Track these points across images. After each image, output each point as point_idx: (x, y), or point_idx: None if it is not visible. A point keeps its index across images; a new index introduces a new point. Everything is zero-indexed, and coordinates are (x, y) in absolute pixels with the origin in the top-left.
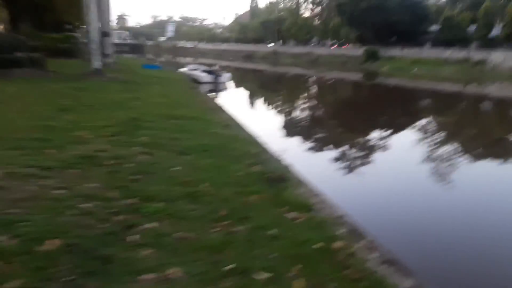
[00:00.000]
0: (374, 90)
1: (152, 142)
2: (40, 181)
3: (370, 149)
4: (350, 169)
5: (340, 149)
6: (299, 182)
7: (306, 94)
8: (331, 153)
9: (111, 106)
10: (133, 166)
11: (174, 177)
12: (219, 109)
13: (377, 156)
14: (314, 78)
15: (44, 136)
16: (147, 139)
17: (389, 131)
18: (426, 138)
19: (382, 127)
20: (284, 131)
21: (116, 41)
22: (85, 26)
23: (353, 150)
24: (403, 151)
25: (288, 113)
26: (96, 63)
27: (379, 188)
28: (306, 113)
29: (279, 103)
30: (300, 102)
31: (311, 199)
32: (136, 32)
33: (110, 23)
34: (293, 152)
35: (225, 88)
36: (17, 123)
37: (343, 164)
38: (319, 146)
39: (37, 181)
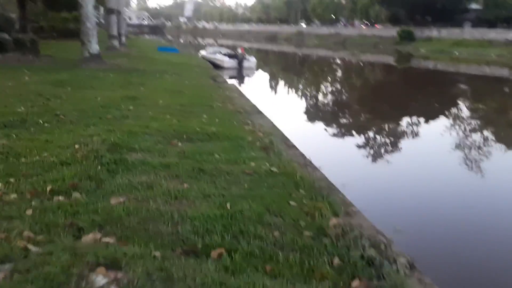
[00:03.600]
0: (425, 76)
1: (131, 213)
2: None
3: None
4: None
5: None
6: None
7: (349, 82)
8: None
9: (89, 115)
10: None
11: None
12: (251, 111)
13: None
14: (346, 61)
15: None
16: (123, 203)
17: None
18: None
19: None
20: (350, 151)
21: (135, 22)
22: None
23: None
24: None
25: (340, 115)
26: (93, 46)
27: None
28: (364, 113)
29: (320, 96)
30: (346, 94)
31: None
32: (156, 13)
33: (127, 3)
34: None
35: (250, 75)
36: None
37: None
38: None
39: None
